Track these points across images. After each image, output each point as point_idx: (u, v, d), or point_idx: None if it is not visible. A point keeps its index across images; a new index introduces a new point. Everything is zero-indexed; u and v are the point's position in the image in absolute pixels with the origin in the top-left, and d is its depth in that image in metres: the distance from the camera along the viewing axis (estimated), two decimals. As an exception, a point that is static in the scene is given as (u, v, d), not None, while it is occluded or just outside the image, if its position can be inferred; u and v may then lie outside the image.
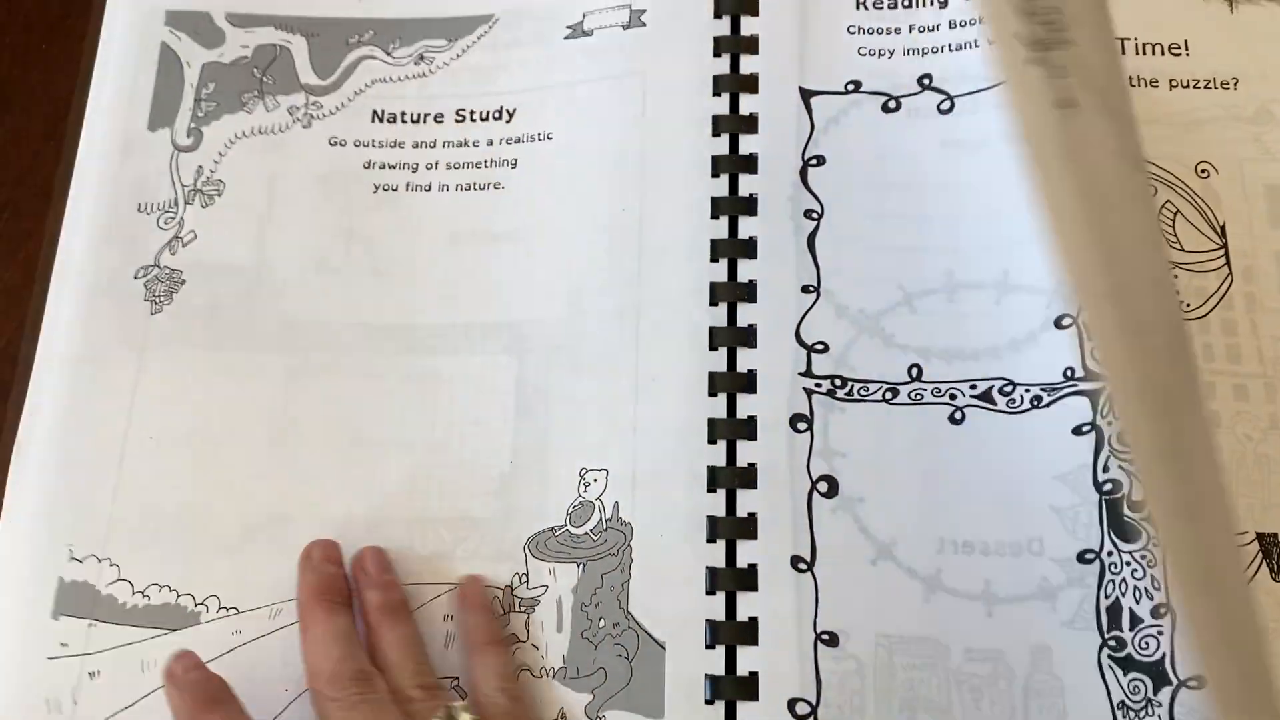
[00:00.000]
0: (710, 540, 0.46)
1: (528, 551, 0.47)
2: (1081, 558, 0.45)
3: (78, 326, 0.50)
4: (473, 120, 0.54)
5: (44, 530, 0.47)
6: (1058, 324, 0.48)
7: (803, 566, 0.45)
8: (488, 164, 0.53)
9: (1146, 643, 0.43)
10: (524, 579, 0.46)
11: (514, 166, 0.53)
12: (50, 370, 0.50)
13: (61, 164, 0.53)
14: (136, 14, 0.56)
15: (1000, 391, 0.47)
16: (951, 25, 0.53)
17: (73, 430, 0.49)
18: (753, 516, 0.46)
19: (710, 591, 0.45)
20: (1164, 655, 0.43)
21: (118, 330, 0.50)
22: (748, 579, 0.45)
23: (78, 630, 0.46)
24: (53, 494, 0.48)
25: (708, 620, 0.44)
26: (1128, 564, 0.44)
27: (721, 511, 0.46)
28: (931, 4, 0.54)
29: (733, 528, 0.46)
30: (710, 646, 0.44)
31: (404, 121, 0.54)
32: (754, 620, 0.44)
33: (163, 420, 0.49)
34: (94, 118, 0.54)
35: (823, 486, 0.46)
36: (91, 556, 0.47)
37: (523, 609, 0.46)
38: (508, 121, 0.54)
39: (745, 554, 0.45)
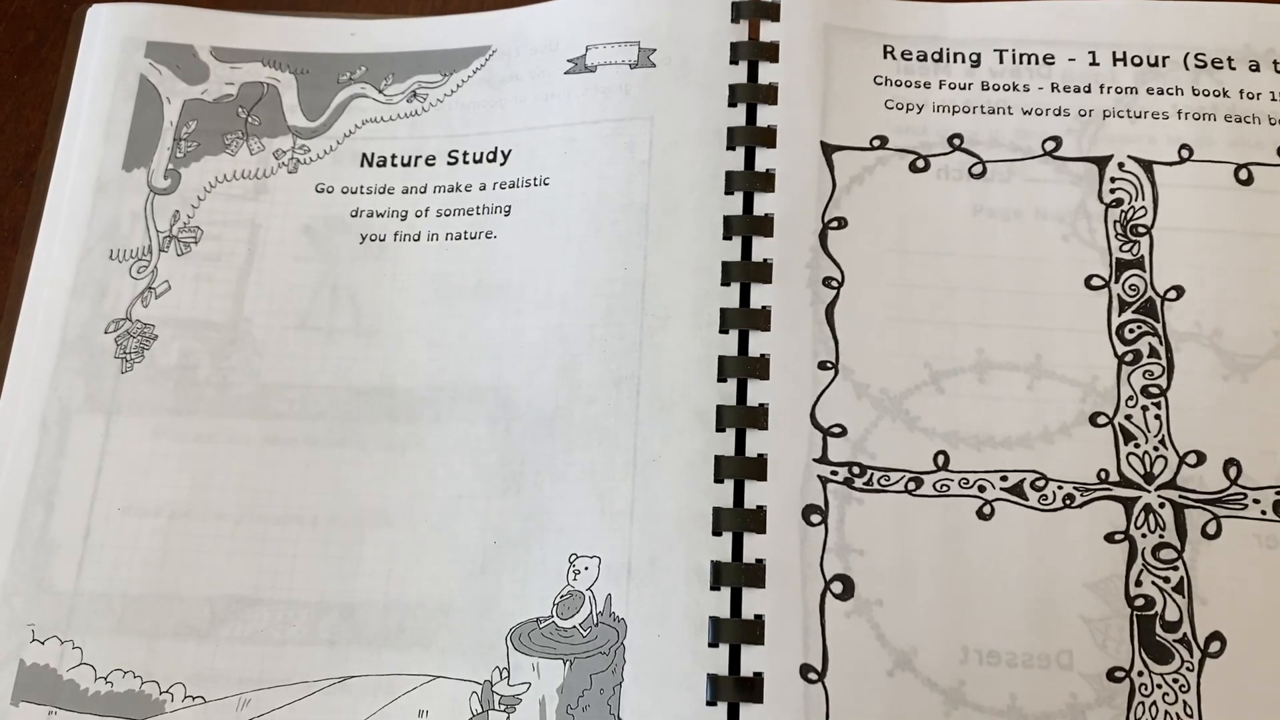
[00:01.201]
0: (713, 644, 0.42)
1: (510, 643, 0.43)
2: (1111, 675, 0.42)
3: (44, 385, 0.48)
4: (465, 162, 0.51)
5: (5, 609, 0.45)
6: (1092, 421, 0.45)
7: (813, 676, 0.42)
8: (480, 210, 0.50)
9: (1179, 772, 0.41)
10: (505, 674, 0.43)
11: (507, 214, 0.49)
12: (12, 433, 0.47)
13: (31, 206, 0.50)
14: (115, 44, 0.53)
15: (1032, 486, 0.44)
16: (984, 87, 0.50)
17: (36, 500, 0.46)
18: (759, 619, 0.42)
19: (711, 702, 0.41)
20: (1198, 790, 0.41)
21: (86, 390, 0.48)
22: (752, 689, 0.41)
23: (38, 719, 0.43)
24: (15, 569, 0.45)
25: (706, 733, 0.41)
26: (1159, 686, 0.42)
27: (726, 612, 0.42)
28: (963, 61, 0.50)
29: (737, 631, 0.42)
30: (708, 761, 0.41)
31: (394, 165, 0.51)
32: (758, 731, 0.41)
33: (130, 490, 0.46)
34: (66, 156, 0.51)
35: (837, 587, 0.43)
36: (54, 638, 0.45)
37: (502, 708, 0.43)
38: (502, 164, 0.50)
39: (750, 661, 0.42)
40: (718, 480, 0.44)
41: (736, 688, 0.41)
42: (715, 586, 0.43)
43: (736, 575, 0.43)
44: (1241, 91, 0.49)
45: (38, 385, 0.48)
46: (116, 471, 0.47)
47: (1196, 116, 0.49)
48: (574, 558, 0.44)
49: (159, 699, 0.44)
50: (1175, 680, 0.41)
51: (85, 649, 0.44)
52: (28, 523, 0.46)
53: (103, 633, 0.44)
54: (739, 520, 0.43)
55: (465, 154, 0.51)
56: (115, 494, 0.46)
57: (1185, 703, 0.41)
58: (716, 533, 0.43)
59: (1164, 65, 0.50)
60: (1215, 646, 0.42)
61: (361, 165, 0.51)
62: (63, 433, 0.47)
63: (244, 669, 0.44)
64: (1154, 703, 0.41)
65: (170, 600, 0.45)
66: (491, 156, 0.51)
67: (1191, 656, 0.42)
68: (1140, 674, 0.42)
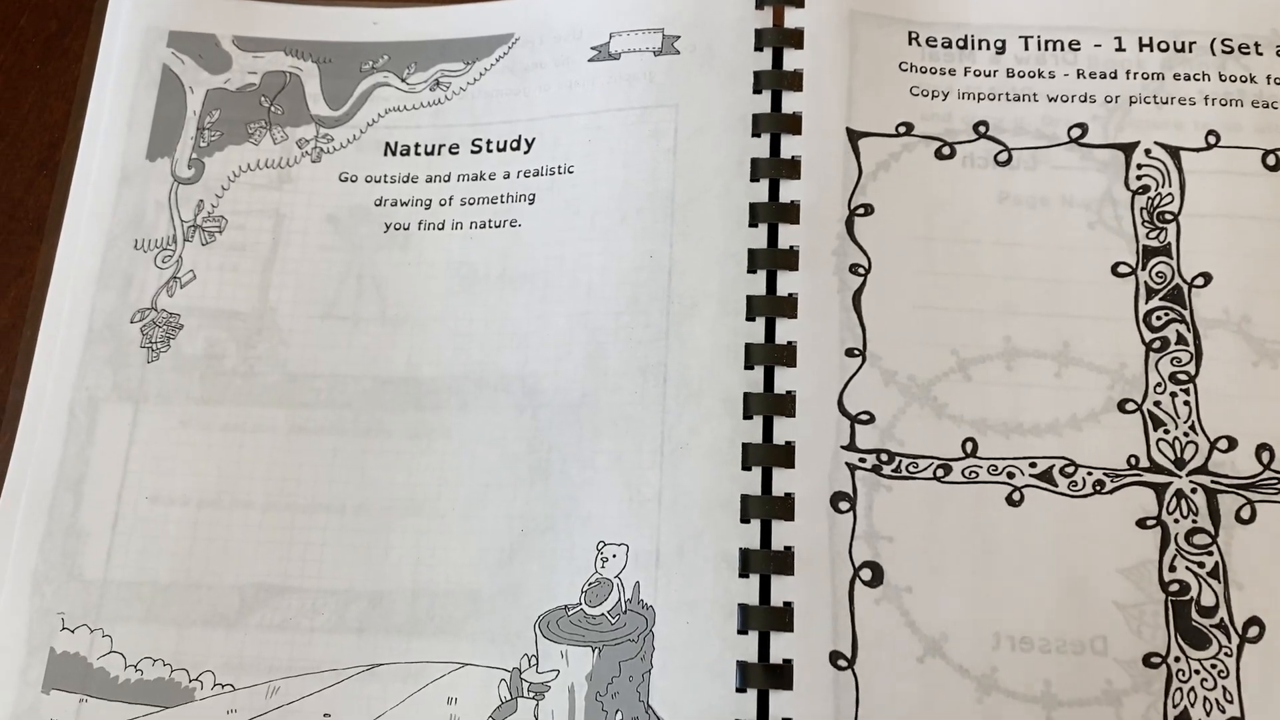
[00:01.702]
0: (742, 631, 0.42)
1: (538, 631, 0.43)
2: (1148, 661, 0.41)
3: (71, 374, 0.48)
4: (489, 151, 0.51)
5: (36, 597, 0.45)
6: (1121, 407, 0.44)
7: (843, 663, 0.42)
8: (504, 199, 0.50)
9: (1219, 761, 0.41)
10: (533, 661, 0.43)
11: (532, 202, 0.49)
12: (40, 422, 0.47)
13: (55, 195, 0.50)
14: (137, 33, 0.53)
15: (1062, 472, 0.44)
16: (1009, 74, 0.49)
17: (65, 488, 0.46)
18: (788, 606, 0.42)
19: (741, 689, 0.41)
20: (1240, 776, 0.40)
21: (113, 379, 0.48)
22: (781, 676, 0.41)
23: (68, 706, 0.44)
24: (46, 557, 0.45)
25: (736, 720, 0.41)
26: (1197, 672, 0.41)
27: (755, 599, 0.42)
28: (988, 48, 0.50)
29: (766, 618, 0.42)
30: (738, 748, 0.41)
31: (418, 154, 0.51)
32: (787, 720, 0.41)
33: (158, 479, 0.46)
34: (90, 145, 0.51)
35: (866, 574, 0.43)
36: (84, 626, 0.45)
37: (531, 695, 0.43)
38: (526, 152, 0.50)
39: (779, 648, 0.42)
40: (745, 468, 0.44)
41: (766, 675, 0.41)
42: (744, 574, 0.43)
43: (765, 562, 0.43)
44: (1269, 77, 0.49)
45: (65, 375, 0.48)
46: (144, 460, 0.47)
47: (1223, 102, 0.48)
48: (602, 545, 0.44)
49: (188, 687, 0.44)
50: (1213, 666, 0.41)
51: (115, 637, 0.44)
52: (57, 511, 0.46)
53: (132, 621, 0.45)
54: (767, 507, 0.43)
55: (489, 142, 0.51)
56: (143, 483, 0.46)
57: (1224, 688, 0.41)
58: (745, 520, 0.43)
59: (1190, 51, 0.49)
60: (1254, 631, 0.42)
61: (385, 154, 0.51)
62: (90, 422, 0.47)
63: (273, 657, 0.44)
64: (1192, 689, 0.41)
65: (199, 588, 0.45)
66: (515, 145, 0.51)
67: (1230, 642, 0.42)
68: (1177, 659, 0.41)
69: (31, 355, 0.48)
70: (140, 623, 0.45)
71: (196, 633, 0.44)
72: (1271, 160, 0.47)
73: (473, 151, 0.51)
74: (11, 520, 0.46)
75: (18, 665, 0.44)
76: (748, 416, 0.45)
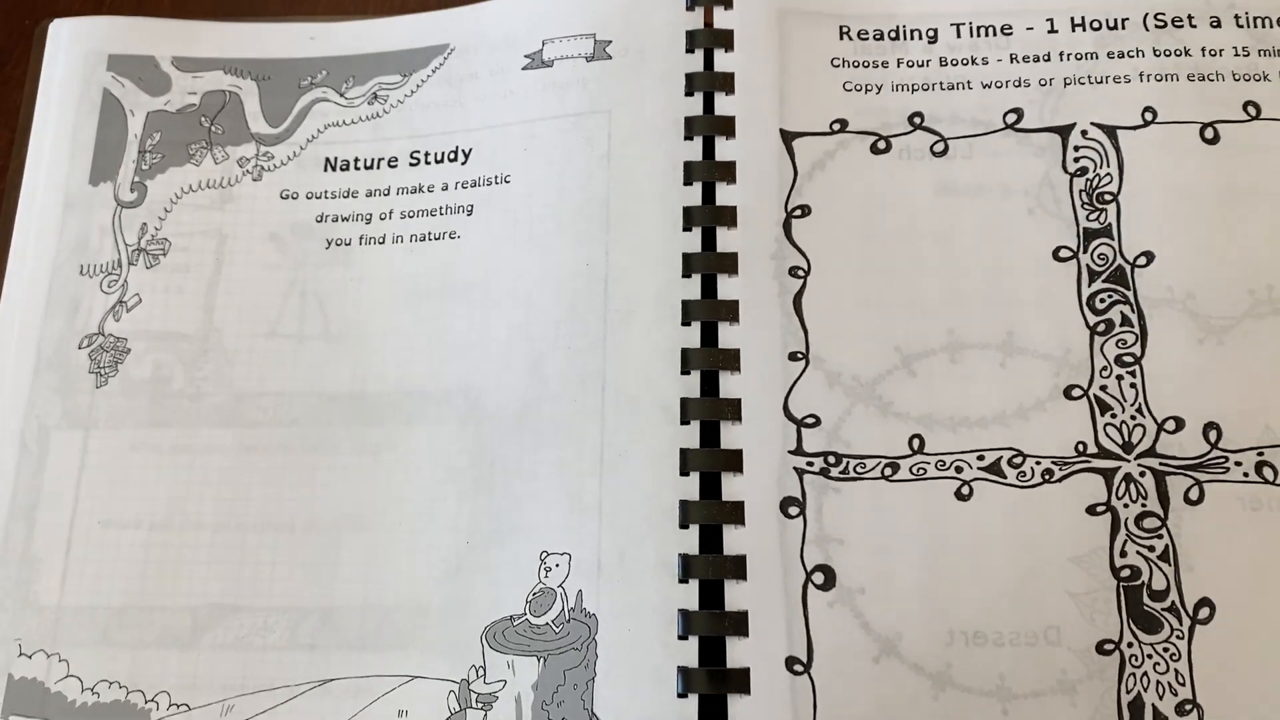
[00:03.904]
0: (683, 637, 0.42)
1: (484, 642, 0.44)
2: (1101, 648, 0.41)
3: (21, 403, 0.48)
4: (427, 163, 0.51)
5: (-9, 624, 0.45)
6: (1067, 394, 0.44)
7: (799, 668, 0.42)
8: (443, 211, 0.50)
9: (1172, 742, 0.40)
10: (481, 672, 0.43)
11: (470, 213, 0.49)
12: (-9, 451, 0.48)
13: (0, 223, 0.50)
14: (77, 58, 0.53)
15: (1010, 463, 0.43)
16: (942, 63, 0.49)
17: (17, 517, 0.47)
18: (740, 613, 0.42)
19: (683, 694, 0.41)
20: (1191, 758, 0.40)
21: (62, 406, 0.48)
22: (740, 681, 0.41)
23: (27, 731, 0.44)
24: (1, 586, 0.46)
25: (679, 726, 0.41)
26: (1149, 656, 0.41)
27: (694, 604, 0.42)
28: (920, 38, 0.49)
29: (708, 623, 0.42)
30: (682, 755, 0.41)
31: (357, 168, 0.51)
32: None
33: (109, 504, 0.47)
34: (34, 172, 0.51)
35: (818, 578, 0.43)
36: (40, 652, 0.45)
37: (479, 705, 0.43)
38: (463, 163, 0.50)
39: (736, 655, 0.42)
40: (683, 473, 0.44)
41: (709, 680, 0.41)
42: (684, 579, 0.43)
43: (704, 568, 0.43)
44: (1204, 49, 0.48)
45: (15, 403, 0.48)
46: (95, 486, 0.47)
47: (1159, 78, 0.48)
48: (544, 555, 0.44)
49: (144, 708, 0.44)
50: (1165, 649, 0.41)
51: (71, 661, 0.45)
52: (10, 540, 0.46)
53: (88, 644, 0.45)
54: (710, 513, 0.43)
55: (427, 154, 0.51)
56: (95, 508, 0.47)
57: (1176, 671, 0.41)
58: (684, 525, 0.43)
59: (1123, 28, 0.49)
60: (1204, 613, 0.41)
61: (325, 170, 0.51)
62: (41, 450, 0.47)
63: (227, 675, 0.44)
64: (1145, 673, 0.41)
65: (152, 610, 0.45)
66: (453, 156, 0.51)
67: (1181, 624, 0.41)
68: (1130, 645, 0.41)
69: (-18, 386, 0.48)
70: (96, 646, 0.45)
71: (151, 654, 0.45)
72: (1209, 134, 0.47)
73: (411, 164, 0.51)
74: (-32, 549, 0.46)
75: None
76: (685, 422, 0.45)
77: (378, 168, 0.51)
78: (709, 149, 0.48)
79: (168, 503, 0.47)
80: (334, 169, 0.51)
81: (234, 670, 0.45)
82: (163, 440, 0.48)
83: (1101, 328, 0.45)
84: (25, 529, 0.46)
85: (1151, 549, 0.42)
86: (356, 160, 0.51)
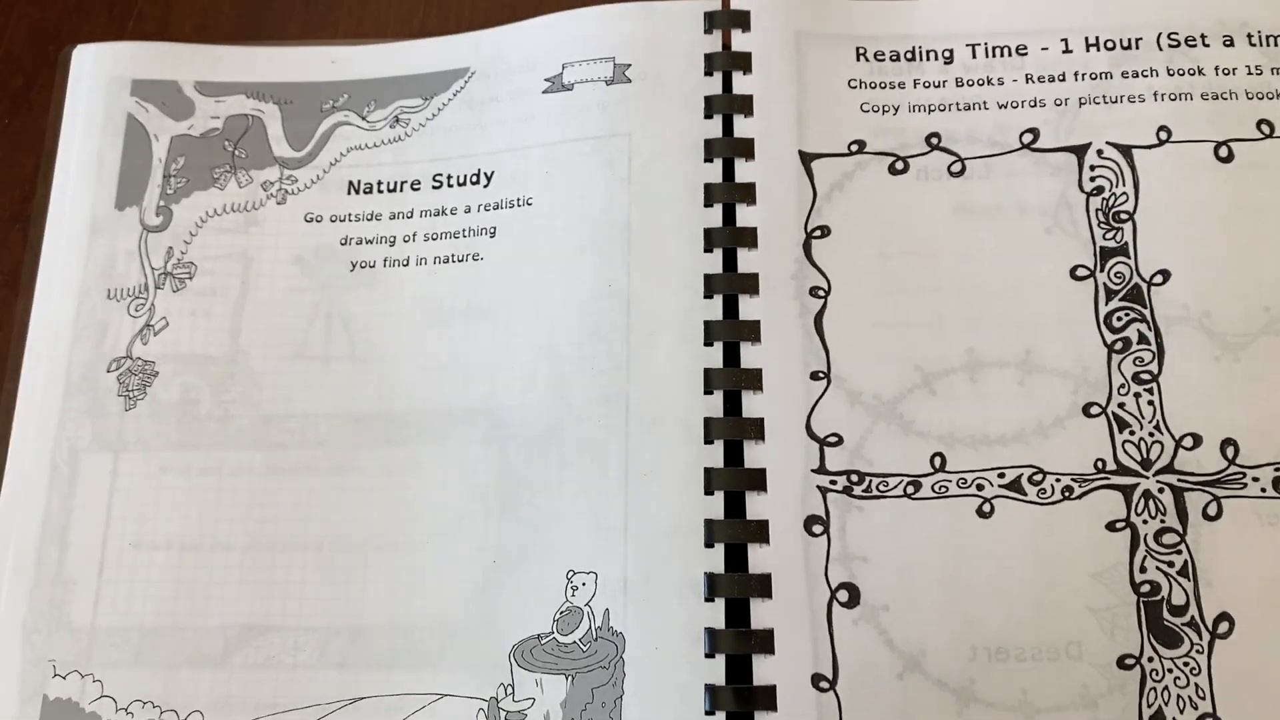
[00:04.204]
0: (709, 655, 0.43)
1: (513, 660, 0.44)
2: (1121, 663, 0.42)
3: (51, 427, 0.49)
4: (450, 186, 0.51)
5: (27, 646, 0.46)
6: (1086, 411, 0.45)
7: (825, 685, 0.42)
8: (466, 233, 0.50)
9: (1193, 757, 0.41)
10: (510, 690, 0.44)
11: (493, 236, 0.50)
12: (24, 474, 0.48)
13: (28, 249, 0.51)
14: (101, 84, 0.53)
15: (1030, 480, 0.44)
16: (959, 83, 0.49)
17: (50, 539, 0.47)
18: (766, 631, 0.43)
19: (710, 712, 0.42)
20: (1212, 770, 0.41)
21: (92, 429, 0.49)
22: (766, 699, 0.42)
23: (62, 752, 0.45)
24: (35, 607, 0.46)
25: (708, 743, 0.42)
26: (1169, 670, 0.42)
27: (720, 622, 0.43)
28: (936, 58, 0.50)
29: (734, 641, 0.43)
30: (711, 771, 0.42)
31: (380, 191, 0.52)
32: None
33: (140, 526, 0.47)
34: (60, 197, 0.52)
35: (843, 595, 0.43)
36: (75, 672, 0.46)
37: (510, 724, 0.44)
38: (485, 186, 0.51)
39: (762, 672, 0.42)
40: (708, 492, 0.44)
41: (735, 697, 0.42)
42: (710, 598, 0.43)
43: (730, 586, 0.43)
44: (1217, 68, 0.49)
45: (45, 427, 0.49)
46: (126, 508, 0.48)
47: (1173, 97, 0.48)
48: (571, 574, 0.45)
49: (177, 728, 0.45)
50: (1185, 664, 0.42)
51: (105, 682, 0.45)
52: (44, 562, 0.47)
53: (121, 665, 0.46)
54: (735, 531, 0.44)
55: (449, 177, 0.51)
56: (126, 530, 0.47)
57: (1197, 685, 0.41)
58: (709, 544, 0.44)
59: (1137, 47, 0.49)
60: (1224, 627, 0.42)
61: (348, 193, 0.52)
62: (72, 472, 0.48)
63: (258, 695, 0.45)
64: (1165, 688, 0.41)
65: (184, 631, 0.46)
66: (475, 179, 0.51)
67: (1200, 639, 0.42)
68: (1150, 660, 0.42)
69: (12, 410, 0.49)
70: (129, 667, 0.46)
71: (184, 674, 0.45)
72: (1224, 152, 0.47)
73: (434, 187, 0.51)
74: (2, 571, 0.47)
75: (12, 714, 0.45)
76: (709, 441, 0.45)
77: (401, 190, 0.52)
78: (729, 171, 0.48)
79: (197, 524, 0.47)
80: (357, 192, 0.52)
81: (265, 689, 0.45)
82: (191, 462, 0.48)
83: (1119, 345, 0.45)
84: (58, 551, 0.47)
85: (1171, 564, 0.43)
86: (380, 183, 0.52)
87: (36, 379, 0.49)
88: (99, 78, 0.54)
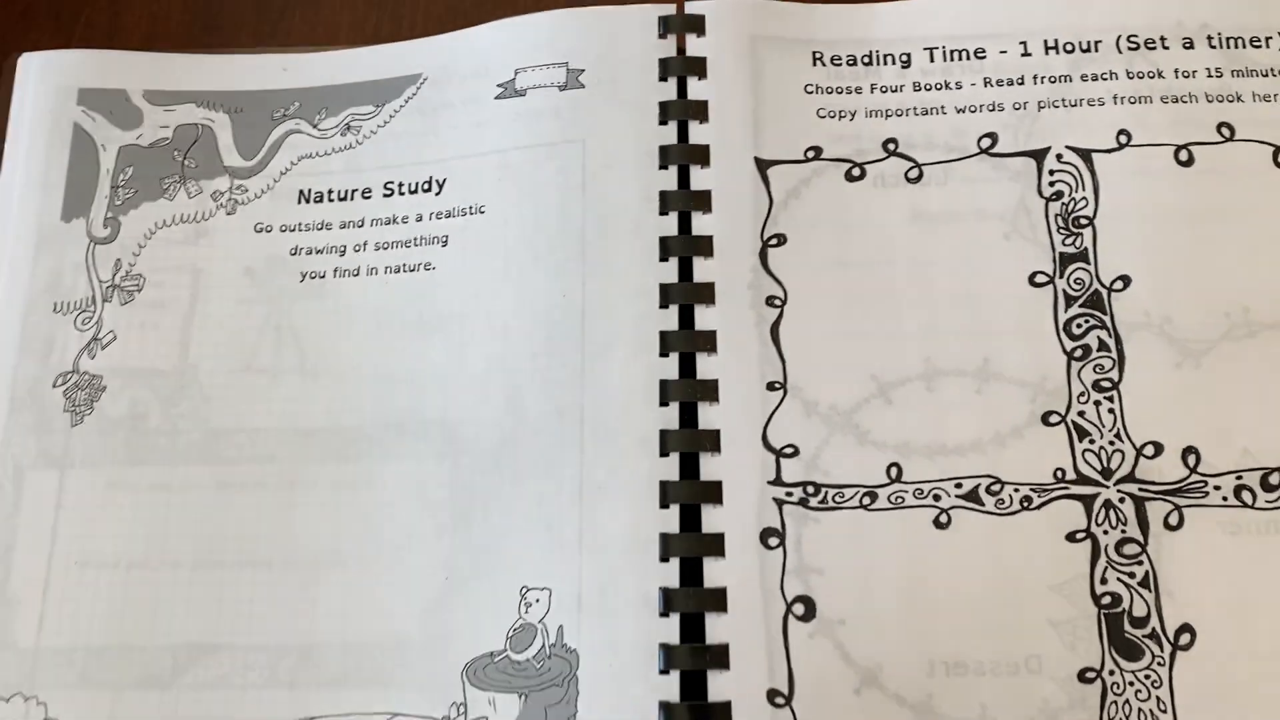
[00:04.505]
0: (664, 671, 0.42)
1: (465, 679, 0.43)
2: (1082, 676, 0.41)
3: (-4, 443, 0.48)
4: (401, 194, 0.51)
5: (-33, 669, 0.45)
6: (1045, 420, 0.44)
7: (780, 701, 0.42)
8: (417, 242, 0.50)
9: (1153, 771, 0.41)
10: (462, 710, 0.43)
11: (445, 244, 0.49)
12: (-33, 493, 0.47)
13: (-26, 262, 0.50)
14: (47, 93, 0.53)
15: (988, 491, 0.43)
16: (916, 87, 0.49)
17: (-7, 558, 0.46)
18: (721, 646, 0.42)
19: (663, 730, 0.41)
20: (1173, 785, 0.40)
21: (38, 446, 0.48)
22: (722, 715, 0.41)
23: (5, 777, 0.44)
24: (-25, 628, 0.46)
25: (661, 762, 0.41)
26: (1130, 684, 0.41)
27: (675, 638, 0.42)
28: (893, 62, 0.49)
29: (689, 657, 0.42)
30: (665, 791, 0.41)
31: (331, 200, 0.51)
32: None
33: (86, 544, 0.47)
34: (5, 209, 0.51)
35: (799, 609, 0.43)
36: (18, 695, 0.45)
37: (462, 743, 0.43)
38: (437, 194, 0.50)
39: (717, 688, 0.42)
40: (663, 505, 0.44)
41: (690, 714, 0.41)
42: (665, 613, 0.43)
43: (685, 601, 0.43)
44: (1177, 71, 0.48)
45: (-10, 444, 0.48)
46: (72, 525, 0.47)
47: (1133, 100, 0.48)
48: (525, 590, 0.44)
49: (125, 753, 0.44)
50: (1147, 676, 0.41)
51: (50, 704, 0.44)
52: (-13, 582, 0.46)
53: (67, 687, 0.45)
54: (690, 545, 0.43)
55: (401, 185, 0.51)
56: (72, 548, 0.46)
57: (1158, 698, 0.41)
58: (664, 558, 0.43)
59: (1096, 50, 0.49)
60: (1185, 639, 0.41)
61: (299, 202, 0.51)
62: (17, 490, 0.47)
63: (208, 715, 0.44)
64: (1126, 701, 0.41)
65: (132, 650, 0.45)
66: (427, 186, 0.50)
67: (1162, 651, 0.41)
68: (1111, 673, 0.41)
69: (-45, 427, 0.48)
70: (75, 688, 0.45)
71: (131, 695, 0.45)
72: (1184, 155, 0.47)
73: (385, 195, 0.51)
74: (-57, 592, 0.46)
75: None
76: (664, 454, 0.44)
77: (351, 199, 0.51)
78: (684, 178, 0.48)
79: (145, 541, 0.46)
80: (308, 201, 0.51)
81: (215, 710, 0.44)
82: (140, 478, 0.47)
83: (1079, 353, 0.45)
84: (2, 570, 0.46)
85: (1132, 575, 0.42)
86: (330, 192, 0.51)
87: (-19, 394, 0.49)
88: (45, 86, 0.53)
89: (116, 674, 0.45)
